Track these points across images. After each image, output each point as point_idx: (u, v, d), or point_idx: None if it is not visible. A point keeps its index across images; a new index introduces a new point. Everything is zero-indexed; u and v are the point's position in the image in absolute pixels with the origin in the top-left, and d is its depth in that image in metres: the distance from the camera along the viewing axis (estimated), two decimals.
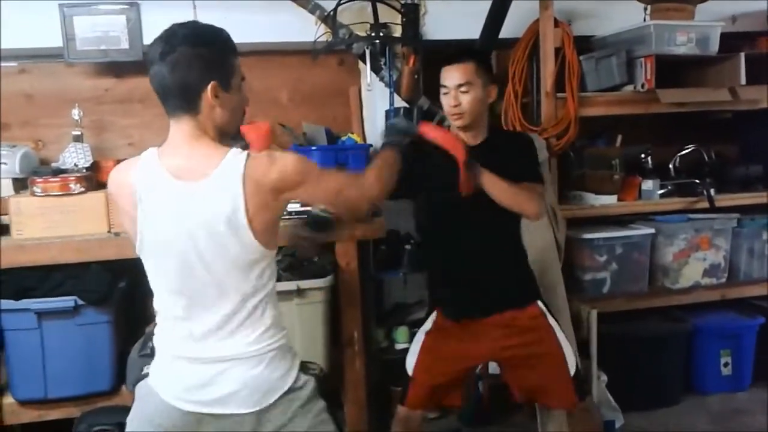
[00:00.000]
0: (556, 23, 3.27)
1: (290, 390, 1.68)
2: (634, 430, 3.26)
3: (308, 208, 2.69)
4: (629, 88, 3.39)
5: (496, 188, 2.19)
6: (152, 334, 1.78)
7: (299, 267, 2.89)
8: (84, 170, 2.96)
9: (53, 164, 3.08)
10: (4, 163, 2.97)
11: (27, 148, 3.13)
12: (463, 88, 2.28)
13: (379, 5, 3.30)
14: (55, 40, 3.12)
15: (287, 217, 2.80)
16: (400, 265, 3.29)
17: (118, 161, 3.08)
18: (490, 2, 3.20)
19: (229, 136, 1.70)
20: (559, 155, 3.35)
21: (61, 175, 2.85)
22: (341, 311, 2.96)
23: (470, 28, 3.28)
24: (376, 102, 3.49)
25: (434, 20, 3.43)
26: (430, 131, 2.20)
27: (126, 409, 1.78)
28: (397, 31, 3.37)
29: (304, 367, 1.75)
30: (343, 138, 3.44)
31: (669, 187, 3.55)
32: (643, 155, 3.61)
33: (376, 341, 3.31)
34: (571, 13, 3.50)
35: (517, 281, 2.43)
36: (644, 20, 3.41)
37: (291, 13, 3.31)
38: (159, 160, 1.61)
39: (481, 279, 2.34)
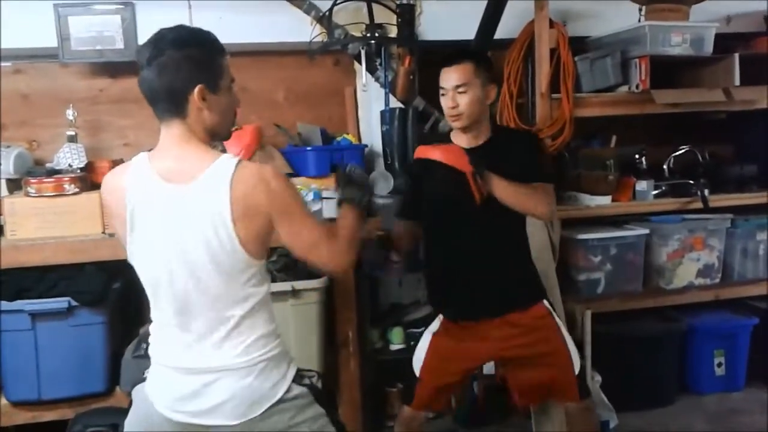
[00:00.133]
0: (552, 24, 3.27)
1: (282, 400, 1.66)
2: (629, 431, 3.26)
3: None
4: (624, 88, 3.39)
5: (507, 193, 2.19)
6: (147, 335, 1.77)
7: (293, 267, 2.89)
8: (78, 171, 2.96)
9: (48, 165, 3.08)
10: None
11: (21, 149, 3.12)
12: (460, 89, 2.26)
13: (374, 6, 3.30)
14: (49, 40, 3.12)
15: None
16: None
17: (113, 162, 3.11)
18: (486, 3, 3.20)
19: (220, 138, 1.70)
20: (554, 156, 3.36)
21: (55, 176, 2.85)
22: (336, 312, 2.96)
23: (466, 29, 3.28)
24: (371, 102, 3.49)
25: (430, 21, 3.44)
26: (430, 152, 2.20)
27: (120, 411, 1.79)
28: (393, 32, 3.37)
29: (299, 376, 1.72)
30: (339, 138, 3.45)
31: (663, 188, 3.55)
32: (637, 156, 3.61)
33: (371, 342, 3.30)
34: (566, 14, 3.51)
35: (523, 281, 2.43)
36: (639, 21, 3.41)
37: (286, 14, 3.31)
38: (149, 164, 1.61)
39: (487, 280, 2.34)
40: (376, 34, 3.29)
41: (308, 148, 3.33)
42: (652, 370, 3.51)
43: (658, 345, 3.53)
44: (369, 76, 3.35)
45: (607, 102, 3.38)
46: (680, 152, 3.64)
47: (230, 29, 2.79)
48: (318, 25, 3.32)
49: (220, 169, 1.55)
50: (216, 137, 1.66)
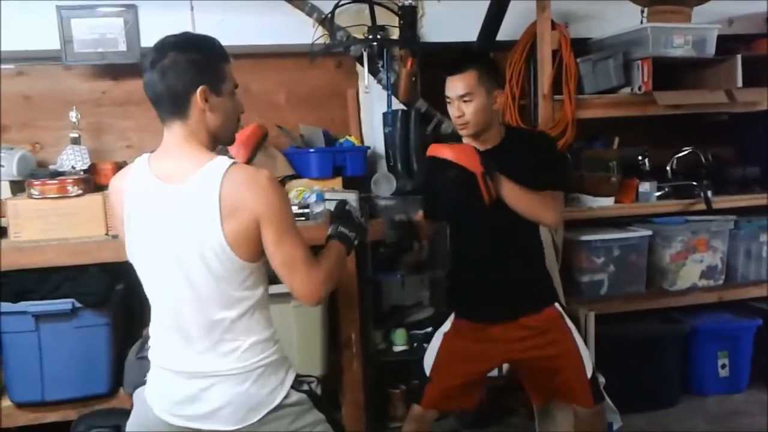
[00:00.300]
0: (554, 26, 3.28)
1: (280, 406, 1.65)
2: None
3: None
4: (626, 90, 3.39)
5: (516, 197, 2.19)
6: (149, 336, 1.78)
7: None
8: (81, 173, 2.96)
9: (51, 166, 3.08)
10: (2, 166, 2.97)
11: (24, 151, 3.13)
12: (465, 98, 2.25)
13: (376, 7, 3.30)
14: (52, 43, 3.13)
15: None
16: (398, 267, 3.28)
17: (116, 164, 3.12)
18: (488, 5, 3.20)
19: (223, 142, 1.69)
20: (565, 155, 3.35)
21: (58, 178, 2.85)
22: (339, 313, 2.96)
23: (468, 31, 3.29)
24: (373, 104, 3.49)
25: (432, 22, 3.44)
26: (442, 150, 2.19)
27: (123, 412, 1.79)
28: (395, 34, 3.37)
29: (298, 382, 1.71)
30: (341, 140, 3.45)
31: (666, 189, 3.55)
32: (640, 157, 3.61)
33: (373, 343, 3.30)
34: (569, 16, 3.51)
35: (535, 284, 2.42)
36: (641, 23, 3.41)
37: (288, 16, 3.32)
38: (149, 165, 1.62)
39: (497, 282, 2.34)
40: (378, 36, 3.29)
41: (311, 150, 3.33)
42: (656, 371, 3.50)
43: (662, 346, 3.53)
44: (371, 78, 3.35)
45: (610, 103, 3.39)
46: (683, 154, 3.64)
47: (232, 31, 2.81)
48: (320, 27, 3.32)
49: (213, 169, 1.55)
50: (219, 141, 1.67)
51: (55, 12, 3.11)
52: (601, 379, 3.15)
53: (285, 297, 2.76)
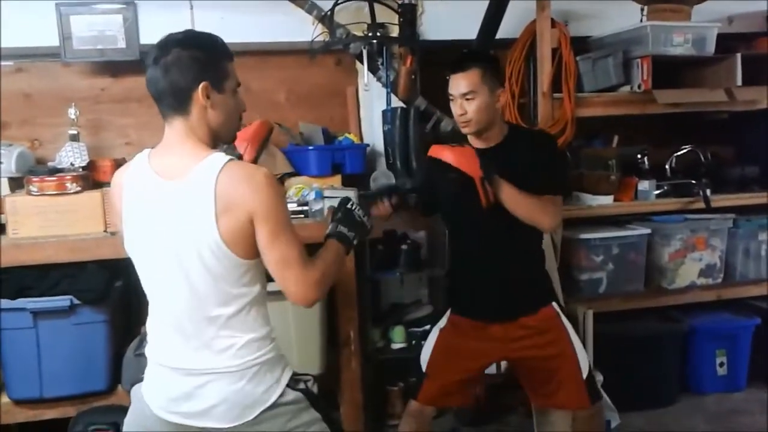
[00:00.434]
0: (553, 24, 3.28)
1: (275, 405, 1.65)
2: (631, 430, 3.26)
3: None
4: (626, 88, 3.39)
5: (514, 201, 2.18)
6: (147, 333, 1.77)
7: None
8: (80, 169, 2.96)
9: (50, 163, 3.08)
10: (1, 162, 2.96)
11: (23, 148, 3.12)
12: (468, 97, 2.25)
13: (376, 5, 3.30)
14: (51, 40, 3.13)
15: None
16: (396, 265, 3.28)
17: (115, 161, 3.12)
18: (487, 3, 3.20)
19: (223, 140, 1.69)
20: (566, 153, 3.35)
21: (57, 175, 2.84)
22: (337, 311, 2.96)
23: (467, 29, 3.28)
24: (373, 102, 3.50)
25: (431, 20, 3.44)
26: (442, 152, 2.19)
27: (121, 409, 1.79)
28: (395, 32, 3.37)
29: (294, 381, 1.70)
30: (340, 138, 3.45)
31: (665, 188, 3.55)
32: (639, 156, 3.61)
33: (372, 341, 3.30)
34: (568, 14, 3.51)
35: (533, 285, 2.42)
36: (641, 21, 3.41)
37: (288, 14, 3.32)
38: (148, 160, 1.63)
39: (496, 283, 2.34)
40: (378, 34, 3.29)
41: (310, 148, 3.33)
42: (654, 370, 3.50)
43: (660, 345, 3.53)
44: (371, 75, 3.35)
45: (609, 102, 3.39)
46: (682, 152, 3.64)
47: (232, 29, 2.80)
48: (320, 25, 3.32)
49: (209, 165, 1.55)
50: (219, 139, 1.66)
51: (54, 9, 3.11)
52: (599, 377, 3.17)
53: (283, 294, 2.76)
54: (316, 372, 2.86)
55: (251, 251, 1.58)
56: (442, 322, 2.49)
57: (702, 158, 3.64)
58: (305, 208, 2.99)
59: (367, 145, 3.48)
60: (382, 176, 3.24)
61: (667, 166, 3.61)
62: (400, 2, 3.33)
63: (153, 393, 1.70)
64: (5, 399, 2.78)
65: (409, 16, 3.34)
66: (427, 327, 3.19)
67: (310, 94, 3.63)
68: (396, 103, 3.37)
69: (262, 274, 1.66)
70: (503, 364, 3.06)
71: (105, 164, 3.09)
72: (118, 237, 1.76)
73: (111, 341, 2.80)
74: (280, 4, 3.29)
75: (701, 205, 3.46)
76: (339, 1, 3.25)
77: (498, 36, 3.29)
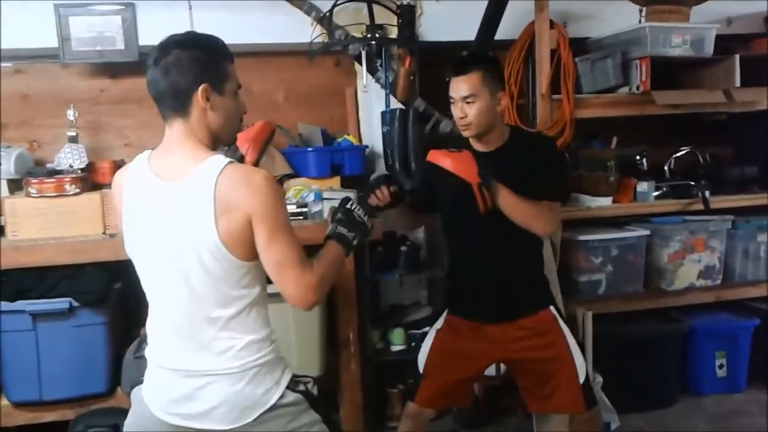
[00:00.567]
0: (552, 25, 3.28)
1: (275, 407, 1.64)
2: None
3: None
4: (624, 89, 3.39)
5: (512, 207, 2.18)
6: (147, 335, 1.77)
7: None
8: (79, 171, 2.95)
9: (48, 165, 3.07)
10: None
11: (22, 149, 3.12)
12: (468, 100, 2.24)
13: (375, 6, 3.30)
14: (50, 41, 3.13)
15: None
16: (396, 266, 3.29)
17: (114, 162, 3.11)
18: (486, 4, 3.20)
19: (223, 142, 1.69)
20: (565, 156, 3.35)
21: (56, 176, 2.84)
22: (337, 313, 2.96)
23: (466, 30, 3.28)
24: (372, 103, 3.50)
25: (430, 21, 3.44)
26: (439, 158, 2.18)
27: (121, 411, 1.79)
28: (393, 33, 3.38)
29: (294, 382, 1.70)
30: (339, 139, 3.45)
31: (664, 189, 3.55)
32: (638, 157, 3.61)
33: (371, 343, 3.30)
34: (567, 15, 3.51)
35: (531, 288, 2.42)
36: (639, 22, 3.42)
37: (287, 15, 3.32)
38: (148, 162, 1.63)
39: (494, 286, 2.34)
40: (377, 35, 3.29)
41: (309, 149, 3.33)
42: (653, 371, 3.50)
43: (659, 346, 3.53)
44: (369, 77, 3.35)
45: (608, 103, 3.39)
46: (681, 153, 3.64)
47: (230, 30, 2.79)
48: (318, 26, 3.32)
49: (210, 167, 1.55)
50: (219, 141, 1.66)
51: (53, 10, 3.11)
52: (599, 379, 3.17)
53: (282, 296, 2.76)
54: (316, 374, 2.86)
55: (251, 253, 1.58)
56: (439, 323, 2.49)
57: (701, 159, 3.64)
58: (304, 209, 2.99)
59: (366, 146, 3.48)
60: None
61: (665, 168, 3.61)
62: (398, 3, 3.33)
63: (153, 394, 1.70)
64: (4, 401, 2.78)
65: (407, 17, 3.34)
66: (427, 329, 3.18)
67: (309, 95, 3.64)
68: (395, 104, 3.36)
69: (262, 276, 1.66)
70: (502, 366, 3.06)
71: (104, 166, 3.09)
72: (117, 238, 1.75)
73: (110, 343, 2.80)
74: (279, 5, 3.29)
75: (700, 206, 3.46)
76: (338, 3, 3.25)
77: (497, 37, 3.30)
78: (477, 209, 2.15)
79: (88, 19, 3.15)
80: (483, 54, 2.84)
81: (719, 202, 3.51)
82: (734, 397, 3.64)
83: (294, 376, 1.72)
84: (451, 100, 2.31)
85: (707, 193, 3.45)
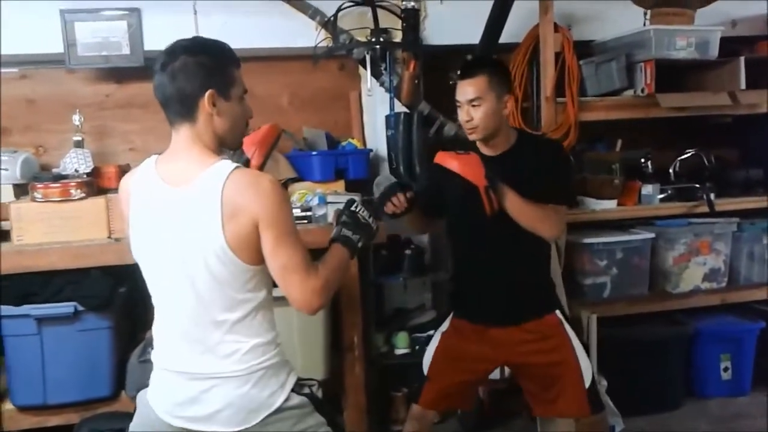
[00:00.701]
0: (556, 28, 3.28)
1: (280, 409, 1.65)
2: None
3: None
4: (629, 92, 3.39)
5: (519, 210, 2.18)
6: (152, 339, 1.78)
7: None
8: (84, 176, 2.97)
9: (54, 170, 3.09)
10: (5, 169, 2.98)
11: (28, 154, 3.14)
12: (475, 103, 2.24)
13: (379, 10, 3.30)
14: (56, 46, 3.14)
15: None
16: (400, 270, 3.28)
17: (119, 167, 3.12)
18: (491, 7, 3.20)
19: (229, 147, 1.69)
20: (570, 159, 3.34)
21: (61, 181, 2.85)
22: (341, 316, 2.96)
23: (470, 33, 3.28)
24: (376, 107, 3.50)
25: (434, 25, 3.44)
26: (448, 161, 2.18)
27: (126, 415, 1.79)
28: (398, 36, 3.38)
29: (299, 385, 1.71)
30: (344, 143, 3.45)
31: (669, 192, 3.54)
32: (643, 160, 3.60)
33: (376, 346, 3.30)
34: (571, 18, 3.51)
35: (537, 291, 2.42)
36: (644, 25, 3.42)
37: (291, 19, 3.32)
38: (155, 166, 1.64)
39: (500, 289, 2.34)
40: (381, 39, 3.30)
41: (313, 153, 3.33)
42: (658, 374, 3.49)
43: (664, 349, 3.52)
44: (374, 80, 3.36)
45: (612, 106, 3.39)
46: (686, 156, 3.63)
47: (235, 34, 2.80)
48: (323, 30, 3.33)
49: (217, 172, 1.55)
50: (225, 145, 1.66)
51: (58, 15, 3.12)
52: (604, 382, 3.16)
53: (287, 300, 2.76)
54: (321, 377, 2.86)
55: (257, 257, 1.59)
56: (445, 326, 2.49)
57: (706, 162, 3.64)
58: (309, 213, 2.99)
59: (371, 150, 3.48)
60: (385, 181, 3.24)
61: (670, 170, 3.61)
62: (403, 7, 3.33)
63: (158, 397, 1.70)
64: (9, 406, 2.79)
65: (411, 20, 3.34)
66: (431, 332, 3.19)
67: (313, 99, 3.64)
68: (399, 107, 3.37)
69: (268, 280, 1.66)
70: (507, 369, 3.05)
71: (109, 170, 3.10)
72: (122, 243, 1.76)
73: (115, 347, 2.81)
74: (284, 9, 3.30)
75: (705, 209, 3.45)
76: (342, 6, 3.26)
77: (501, 40, 3.29)
78: (483, 212, 2.15)
79: (94, 25, 3.16)
80: (489, 57, 2.84)
81: (724, 204, 3.51)
82: (739, 400, 3.63)
83: (299, 379, 1.72)
84: (458, 104, 2.30)
85: (712, 196, 3.45)
